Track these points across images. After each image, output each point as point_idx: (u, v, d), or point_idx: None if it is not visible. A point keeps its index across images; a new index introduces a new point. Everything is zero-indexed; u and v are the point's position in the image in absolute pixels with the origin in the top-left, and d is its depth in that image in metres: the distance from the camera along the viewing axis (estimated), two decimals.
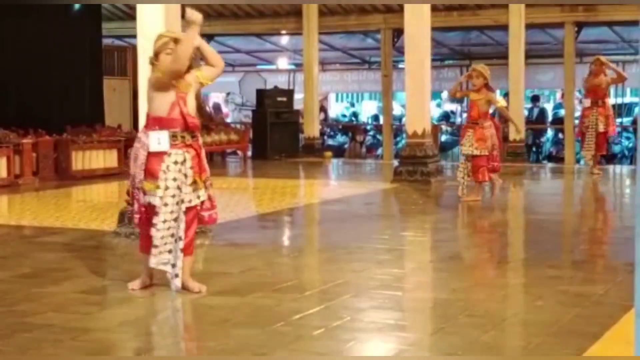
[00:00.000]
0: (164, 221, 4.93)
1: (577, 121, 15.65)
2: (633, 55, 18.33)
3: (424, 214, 8.96)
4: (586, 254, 6.71)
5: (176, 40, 4.99)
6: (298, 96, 18.30)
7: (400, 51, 14.25)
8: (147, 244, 5.05)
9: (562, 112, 18.17)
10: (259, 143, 15.87)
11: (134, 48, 11.81)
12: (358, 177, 13.61)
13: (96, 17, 15.27)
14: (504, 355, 4.00)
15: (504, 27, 15.65)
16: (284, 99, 16.55)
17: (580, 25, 15.99)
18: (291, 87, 19.83)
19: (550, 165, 16.78)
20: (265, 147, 15.68)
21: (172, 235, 4.98)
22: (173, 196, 4.94)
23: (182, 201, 4.97)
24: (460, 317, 4.58)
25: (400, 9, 13.03)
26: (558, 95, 21.46)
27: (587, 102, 12.10)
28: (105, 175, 12.60)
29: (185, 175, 4.98)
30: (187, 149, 5.00)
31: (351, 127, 21.41)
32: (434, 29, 12.07)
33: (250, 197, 10.93)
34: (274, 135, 15.85)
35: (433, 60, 12.96)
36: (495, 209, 8.95)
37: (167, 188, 4.93)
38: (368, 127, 21.58)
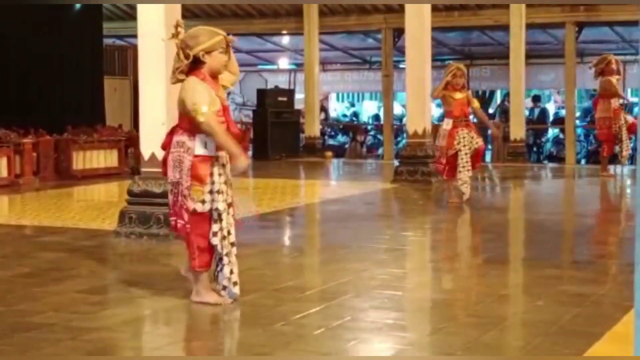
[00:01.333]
0: (226, 228, 4.76)
1: (576, 121, 15.67)
2: (634, 55, 18.33)
3: (425, 214, 8.96)
4: (586, 254, 6.71)
5: (225, 38, 4.86)
6: (299, 96, 18.31)
7: (401, 51, 14.26)
8: (205, 257, 4.82)
9: (562, 112, 18.19)
10: (259, 143, 15.89)
11: (134, 48, 11.81)
12: (358, 177, 13.62)
13: (97, 17, 15.28)
14: (504, 355, 4.00)
15: (505, 27, 15.67)
16: (285, 98, 16.56)
17: (581, 25, 16.01)
18: (292, 87, 19.85)
19: (550, 165, 16.79)
20: (265, 147, 15.69)
21: (233, 244, 4.81)
22: (225, 200, 4.78)
23: (230, 205, 4.82)
24: (460, 317, 4.59)
25: (400, 9, 13.03)
26: (557, 97, 21.48)
27: (616, 103, 12.01)
28: (106, 175, 12.61)
29: (229, 178, 4.86)
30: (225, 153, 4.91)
31: (352, 127, 21.41)
32: (434, 28, 12.08)
33: (250, 196, 10.93)
34: (275, 135, 15.85)
35: (434, 60, 12.95)
36: (496, 209, 8.95)
37: (220, 192, 4.76)
38: (369, 127, 21.59)
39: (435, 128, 16.62)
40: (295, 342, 4.15)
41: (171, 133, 4.94)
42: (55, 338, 4.20)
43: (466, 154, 9.02)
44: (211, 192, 4.75)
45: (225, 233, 4.76)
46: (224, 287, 4.83)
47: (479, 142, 9.13)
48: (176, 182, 4.78)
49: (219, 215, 4.74)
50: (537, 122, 19.46)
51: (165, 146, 4.94)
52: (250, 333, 4.40)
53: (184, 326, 4.69)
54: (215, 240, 4.74)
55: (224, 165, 4.83)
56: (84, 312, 4.72)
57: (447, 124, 9.10)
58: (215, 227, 4.75)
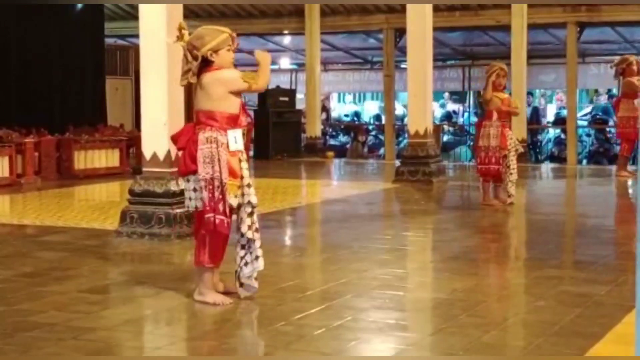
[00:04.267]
0: (256, 222, 4.81)
1: (579, 122, 15.62)
2: (635, 56, 18.31)
3: (426, 214, 8.96)
4: (588, 254, 6.71)
5: (231, 36, 4.88)
6: (300, 96, 18.31)
7: (403, 51, 14.27)
8: (218, 254, 4.87)
9: (564, 112, 18.19)
10: (260, 143, 15.86)
11: (136, 48, 11.82)
12: (360, 177, 13.62)
13: (98, 17, 15.28)
14: (505, 356, 4.00)
15: (506, 27, 15.65)
16: (286, 98, 16.56)
17: (582, 26, 15.99)
18: (293, 87, 19.84)
19: (552, 165, 16.78)
20: (267, 147, 15.68)
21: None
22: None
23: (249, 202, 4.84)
24: (461, 317, 4.58)
25: (402, 9, 13.03)
26: (556, 96, 21.47)
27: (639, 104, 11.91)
28: (108, 174, 12.62)
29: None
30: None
31: (353, 127, 21.42)
32: (436, 28, 12.07)
33: None
34: (276, 135, 15.85)
35: (435, 60, 12.95)
36: (498, 209, 8.94)
37: (249, 185, 4.80)
38: (370, 127, 21.59)
39: (437, 128, 16.67)
40: (296, 342, 4.15)
41: (188, 132, 4.91)
42: (56, 337, 4.21)
43: (514, 155, 8.90)
44: (241, 186, 4.78)
45: (257, 226, 4.81)
46: (242, 284, 4.86)
47: (520, 147, 9.13)
48: (210, 179, 4.75)
49: (253, 208, 4.78)
50: (530, 121, 19.35)
51: (184, 145, 4.89)
52: (251, 333, 4.40)
53: (185, 326, 4.70)
54: (250, 234, 4.76)
55: (243, 160, 4.86)
56: (86, 311, 4.73)
57: (496, 124, 8.84)
58: (248, 221, 4.76)
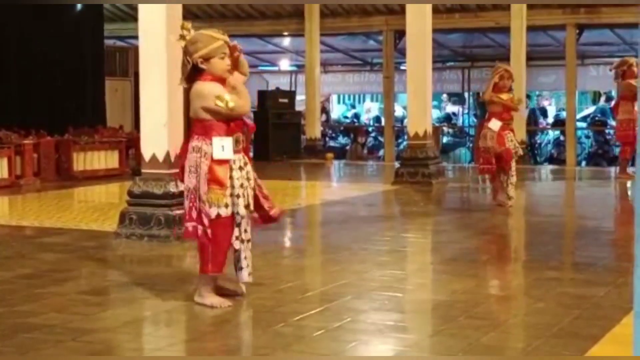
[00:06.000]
0: (245, 231, 4.78)
1: (578, 123, 15.60)
2: (635, 58, 18.30)
3: (425, 216, 8.96)
4: (587, 256, 6.71)
5: (227, 43, 4.81)
6: (300, 97, 18.32)
7: (402, 53, 14.26)
8: (220, 261, 4.82)
9: (563, 113, 18.19)
10: (260, 144, 15.86)
11: (135, 49, 11.82)
12: (359, 178, 13.62)
13: (98, 18, 15.29)
14: (504, 357, 4.01)
15: (506, 29, 15.66)
16: (286, 100, 16.57)
17: (581, 27, 16.01)
18: (293, 89, 19.85)
19: (551, 167, 16.78)
20: (266, 149, 15.68)
21: (248, 241, 4.81)
22: (245, 204, 4.75)
23: (248, 206, 4.80)
24: (460, 318, 4.59)
25: (402, 11, 13.04)
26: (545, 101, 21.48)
27: (637, 106, 11.92)
28: (107, 176, 12.62)
29: (249, 179, 4.81)
30: (244, 153, 4.86)
31: (353, 129, 21.42)
32: (435, 30, 12.08)
33: None
34: (276, 136, 15.85)
35: (434, 61, 12.96)
36: (498, 210, 8.95)
37: (239, 196, 4.73)
38: (370, 129, 21.59)
39: (437, 129, 16.67)
40: (295, 343, 4.16)
41: (187, 141, 4.92)
42: (56, 339, 4.21)
43: (513, 157, 8.91)
44: (231, 195, 4.73)
45: (244, 236, 4.78)
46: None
47: (520, 150, 9.14)
48: (193, 188, 4.74)
49: (242, 219, 4.76)
50: (528, 123, 19.32)
51: (182, 154, 4.92)
52: (251, 334, 4.40)
53: (184, 327, 4.70)
54: (237, 244, 4.76)
55: (241, 168, 4.80)
56: (85, 313, 4.73)
57: (495, 125, 8.83)
58: (236, 232, 4.75)
